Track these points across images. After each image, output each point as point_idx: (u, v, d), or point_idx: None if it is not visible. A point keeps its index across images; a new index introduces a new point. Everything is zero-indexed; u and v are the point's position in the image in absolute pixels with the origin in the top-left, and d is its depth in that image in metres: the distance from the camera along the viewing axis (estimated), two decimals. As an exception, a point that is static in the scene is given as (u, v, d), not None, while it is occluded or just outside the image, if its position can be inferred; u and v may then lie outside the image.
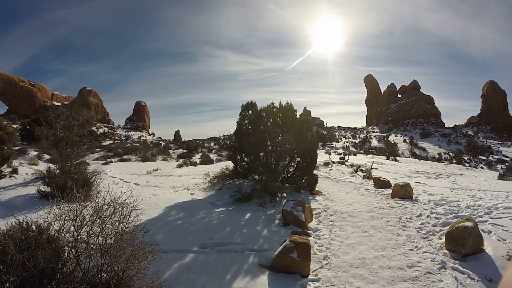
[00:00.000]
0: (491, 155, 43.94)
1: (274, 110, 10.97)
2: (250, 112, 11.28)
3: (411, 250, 5.45)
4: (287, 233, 6.26)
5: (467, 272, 4.62)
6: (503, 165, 34.10)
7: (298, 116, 11.33)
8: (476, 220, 6.66)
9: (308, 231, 6.43)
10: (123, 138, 57.80)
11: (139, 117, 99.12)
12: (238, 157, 11.26)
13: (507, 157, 42.14)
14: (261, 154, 10.96)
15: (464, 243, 5.16)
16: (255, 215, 7.48)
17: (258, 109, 11.19)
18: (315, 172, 12.00)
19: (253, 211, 7.87)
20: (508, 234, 5.90)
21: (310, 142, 11.01)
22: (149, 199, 8.86)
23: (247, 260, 5.01)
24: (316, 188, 10.90)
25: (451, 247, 5.35)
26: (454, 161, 36.84)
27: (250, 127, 11.05)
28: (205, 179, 11.95)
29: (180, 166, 19.14)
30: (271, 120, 10.85)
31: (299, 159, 10.96)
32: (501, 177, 16.84)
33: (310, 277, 4.60)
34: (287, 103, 11.07)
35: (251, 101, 11.40)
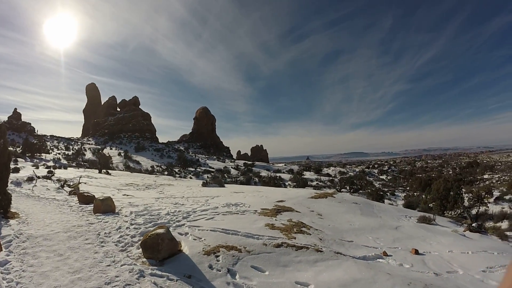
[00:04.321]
0: (199, 167, 51.74)
1: None
2: None
3: (109, 265, 5.24)
4: None
5: (165, 275, 4.87)
6: (209, 175, 40.84)
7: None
8: (174, 224, 7.30)
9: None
10: None
11: None
12: None
13: (212, 168, 51.01)
14: None
15: (159, 249, 5.48)
16: None
17: None
18: (13, 189, 9.69)
19: None
20: (203, 232, 6.80)
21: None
22: None
23: None
24: (13, 210, 8.89)
25: (148, 254, 5.56)
26: (166, 172, 40.59)
27: None
28: None
29: None
30: None
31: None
32: (204, 184, 19.81)
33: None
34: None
35: None
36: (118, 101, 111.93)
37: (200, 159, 64.22)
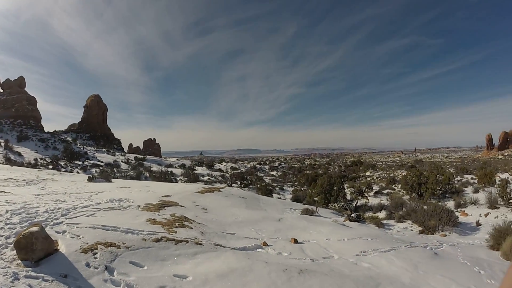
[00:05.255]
0: (87, 160, 47.92)
1: None
2: None
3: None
4: None
5: (41, 276, 4.62)
6: (97, 169, 38.14)
7: None
8: (52, 223, 6.88)
9: None
10: None
11: None
12: None
13: (102, 162, 47.63)
14: None
15: (33, 249, 5.14)
16: None
17: None
18: None
19: None
20: (82, 229, 6.55)
21: None
22: None
23: None
24: None
25: (22, 255, 5.18)
26: (51, 166, 36.86)
27: None
28: None
29: None
30: None
31: None
32: (90, 179, 18.84)
33: None
34: None
35: None
36: (1, 80, 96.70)
37: (88, 151, 59.31)
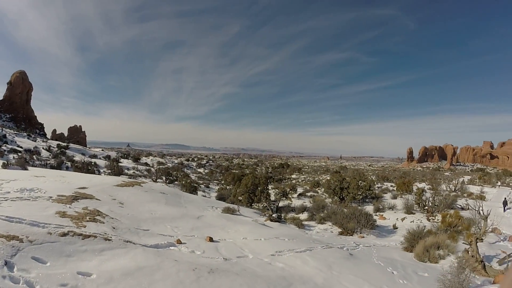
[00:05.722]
0: (5, 144, 42.23)
1: None
2: None
3: None
4: None
5: None
6: (15, 155, 33.81)
7: None
8: None
9: None
10: None
11: None
12: None
13: (21, 147, 42.27)
14: None
15: None
16: None
17: None
18: None
19: None
20: None
21: None
22: None
23: None
24: None
25: None
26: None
27: None
28: None
29: None
30: None
31: None
32: (4, 166, 17.81)
33: None
34: None
35: None
36: None
37: (7, 134, 52.72)
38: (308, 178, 52.53)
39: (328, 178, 34.58)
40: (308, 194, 32.02)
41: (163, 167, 45.89)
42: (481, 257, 8.71)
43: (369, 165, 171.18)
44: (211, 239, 8.47)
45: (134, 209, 10.92)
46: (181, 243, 7.73)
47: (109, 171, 33.83)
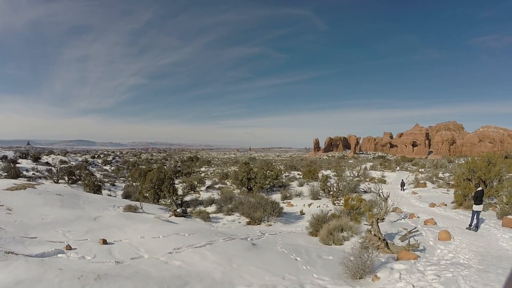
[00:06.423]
0: None
1: None
2: None
3: None
4: None
5: None
6: None
7: None
8: None
9: None
10: None
11: None
12: None
13: None
14: None
15: None
16: None
17: None
18: None
19: None
20: None
21: None
22: None
23: None
24: None
25: None
26: None
27: None
28: None
29: None
30: None
31: None
32: None
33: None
34: None
35: None
36: None
37: None
38: (217, 170, 52.75)
39: (236, 169, 35.13)
40: (217, 186, 32.18)
41: (66, 166, 41.56)
42: (383, 235, 9.50)
43: (278, 156, 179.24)
44: (104, 242, 7.92)
45: (23, 214, 10.06)
46: (70, 248, 7.10)
47: (5, 173, 29.41)
